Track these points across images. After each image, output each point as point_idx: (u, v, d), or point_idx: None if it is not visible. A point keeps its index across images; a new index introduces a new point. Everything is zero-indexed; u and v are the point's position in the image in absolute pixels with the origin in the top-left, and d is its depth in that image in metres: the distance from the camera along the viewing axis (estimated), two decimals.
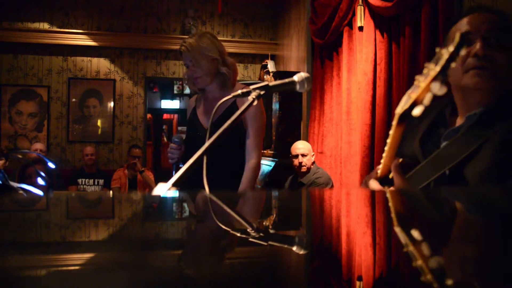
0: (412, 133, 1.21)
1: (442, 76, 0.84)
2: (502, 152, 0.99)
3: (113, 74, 5.74)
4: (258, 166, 1.91)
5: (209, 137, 1.08)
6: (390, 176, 1.08)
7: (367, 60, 3.19)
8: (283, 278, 0.36)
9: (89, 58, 5.68)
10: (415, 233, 0.51)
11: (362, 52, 3.26)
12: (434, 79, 0.84)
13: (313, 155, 3.57)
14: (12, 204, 0.72)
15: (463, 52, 0.85)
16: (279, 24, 5.74)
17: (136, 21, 5.72)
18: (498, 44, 1.08)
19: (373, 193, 0.95)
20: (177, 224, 0.61)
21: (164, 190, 0.96)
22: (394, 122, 0.93)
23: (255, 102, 1.18)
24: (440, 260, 0.39)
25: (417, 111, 0.87)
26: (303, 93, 4.39)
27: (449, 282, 0.33)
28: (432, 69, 0.85)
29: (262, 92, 1.21)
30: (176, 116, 9.36)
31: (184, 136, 2.05)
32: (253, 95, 1.19)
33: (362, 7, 3.31)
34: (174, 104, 8.79)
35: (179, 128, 9.07)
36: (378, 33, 3.16)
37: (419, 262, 0.39)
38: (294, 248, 0.45)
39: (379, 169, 1.08)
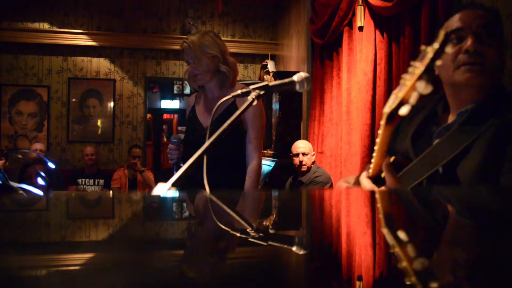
0: (404, 131, 1.21)
1: (427, 75, 0.84)
2: (492, 149, 0.99)
3: (113, 74, 5.74)
4: (260, 167, 1.92)
5: (209, 137, 1.08)
6: (382, 175, 1.08)
7: (367, 60, 3.19)
8: (283, 278, 0.36)
9: (89, 58, 5.68)
10: (415, 233, 0.51)
11: (362, 52, 3.26)
12: (419, 78, 0.84)
13: (314, 154, 3.57)
14: (12, 204, 0.72)
15: (448, 49, 0.85)
16: (279, 24, 5.74)
17: (136, 21, 5.72)
18: (489, 40, 1.08)
19: (373, 193, 0.95)
20: (177, 224, 0.61)
21: (164, 190, 0.96)
22: (383, 122, 0.93)
23: (255, 102, 1.18)
24: (439, 260, 0.39)
25: (404, 111, 0.87)
26: (303, 93, 4.39)
27: (448, 281, 0.33)
28: (418, 67, 0.85)
29: (262, 92, 1.21)
30: (176, 116, 9.36)
31: (182, 135, 2.05)
32: (253, 95, 1.19)
33: (362, 7, 3.31)
34: (174, 104, 8.78)
35: (179, 128, 9.06)
36: (378, 33, 3.16)
37: (419, 261, 0.39)
38: (294, 248, 0.45)
39: (371, 168, 1.08)
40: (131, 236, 0.52)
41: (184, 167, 0.99)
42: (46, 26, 5.56)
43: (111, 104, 5.74)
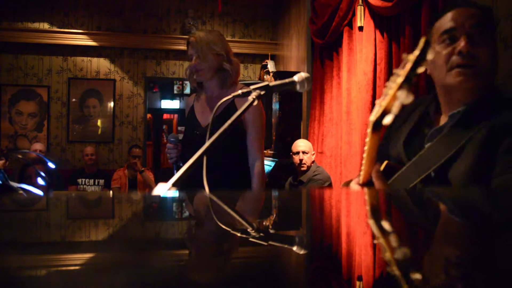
0: (396, 134, 1.20)
1: (408, 84, 0.84)
2: (484, 152, 0.99)
3: (113, 74, 5.74)
4: (263, 170, 1.94)
5: (209, 136, 1.08)
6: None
7: (367, 60, 3.19)
8: (283, 278, 0.36)
9: (89, 58, 5.68)
10: (415, 233, 0.51)
11: (362, 52, 3.26)
12: (400, 87, 0.85)
13: (314, 154, 3.58)
14: (12, 204, 0.72)
15: (429, 56, 0.85)
16: (279, 24, 5.74)
17: (136, 21, 5.72)
18: (482, 41, 1.07)
19: (373, 193, 0.95)
20: (177, 224, 0.61)
21: (164, 190, 0.96)
22: (369, 130, 0.94)
23: (255, 102, 1.18)
24: (439, 260, 0.39)
25: (387, 120, 0.87)
26: (303, 93, 4.39)
27: (448, 281, 0.33)
28: (400, 75, 0.86)
29: (262, 92, 1.21)
30: (176, 116, 9.36)
31: (181, 135, 2.05)
32: (253, 95, 1.19)
33: (362, 7, 3.31)
34: (174, 104, 8.78)
35: (179, 128, 9.06)
36: (378, 33, 3.16)
37: (419, 261, 0.39)
38: (294, 248, 0.45)
39: (361, 175, 1.08)
40: (131, 236, 0.52)
41: (184, 167, 0.99)
42: (46, 26, 5.56)
43: (111, 104, 5.74)
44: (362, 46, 3.28)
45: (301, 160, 3.44)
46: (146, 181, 4.82)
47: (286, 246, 0.47)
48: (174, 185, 0.96)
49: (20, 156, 4.44)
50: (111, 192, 4.46)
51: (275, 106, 4.41)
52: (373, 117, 0.91)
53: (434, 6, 2.49)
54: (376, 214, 0.64)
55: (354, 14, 3.44)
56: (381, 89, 3.07)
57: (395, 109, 0.85)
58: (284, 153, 4.04)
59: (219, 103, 1.28)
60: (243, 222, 0.60)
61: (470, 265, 0.38)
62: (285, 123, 4.33)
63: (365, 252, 0.44)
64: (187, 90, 8.03)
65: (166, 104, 8.84)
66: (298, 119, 4.51)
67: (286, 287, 0.34)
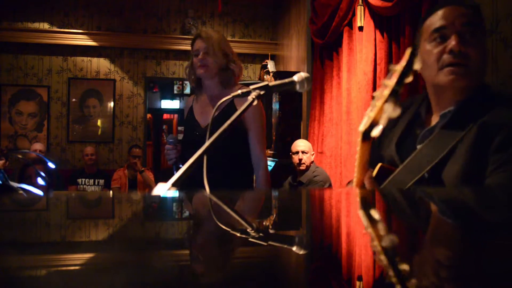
0: (389, 136, 1.20)
1: (395, 97, 0.85)
2: (476, 152, 0.98)
3: (113, 74, 5.74)
4: (268, 172, 1.95)
5: (209, 136, 1.08)
6: None
7: (367, 60, 3.19)
8: (283, 278, 0.36)
9: (89, 58, 5.68)
10: (415, 233, 0.51)
11: (362, 52, 3.26)
12: (387, 100, 0.85)
13: (313, 154, 3.58)
14: (12, 204, 0.72)
15: (416, 66, 0.86)
16: (279, 24, 5.74)
17: (136, 21, 5.72)
18: (473, 39, 1.07)
19: (372, 193, 0.95)
20: (177, 224, 0.61)
21: (164, 190, 0.96)
22: (359, 140, 0.95)
23: (255, 102, 1.18)
24: (439, 260, 0.39)
25: (376, 132, 0.89)
26: (303, 93, 4.39)
27: (449, 281, 0.33)
28: (387, 86, 0.86)
29: (262, 92, 1.21)
30: (176, 116, 9.36)
31: (180, 135, 2.06)
32: (253, 95, 1.19)
33: (362, 7, 3.31)
34: (174, 104, 8.78)
35: (179, 128, 9.06)
36: (378, 33, 3.16)
37: (419, 261, 0.39)
38: (294, 248, 0.45)
39: (354, 182, 1.08)
40: (131, 236, 0.52)
41: (184, 167, 0.99)
42: (46, 26, 5.56)
43: (111, 104, 5.74)
44: (362, 46, 3.28)
45: (300, 160, 3.44)
46: (146, 181, 4.82)
47: (286, 246, 0.47)
48: (174, 185, 0.96)
49: (20, 156, 4.44)
50: (111, 192, 4.46)
51: (275, 106, 4.41)
52: (362, 127, 0.93)
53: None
54: (377, 213, 0.64)
55: (354, 14, 3.44)
56: None
57: (383, 121, 0.87)
58: (284, 153, 4.04)
59: (219, 102, 1.28)
60: (243, 222, 0.60)
61: (465, 266, 0.38)
62: (285, 123, 4.33)
63: (365, 252, 0.44)
64: (187, 90, 8.03)
65: (166, 104, 8.84)
66: (298, 119, 4.51)
67: (286, 287, 0.34)
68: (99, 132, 5.73)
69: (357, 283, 0.35)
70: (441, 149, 1.02)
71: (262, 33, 6.00)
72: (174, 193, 0.95)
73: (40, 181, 3.50)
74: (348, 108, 3.51)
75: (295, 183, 3.55)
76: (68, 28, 5.57)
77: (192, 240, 0.51)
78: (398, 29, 2.95)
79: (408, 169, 1.06)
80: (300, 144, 3.52)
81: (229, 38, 5.77)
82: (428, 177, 1.03)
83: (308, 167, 3.47)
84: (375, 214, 0.59)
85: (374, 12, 3.19)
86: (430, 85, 1.14)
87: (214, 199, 0.79)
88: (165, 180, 0.99)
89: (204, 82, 1.97)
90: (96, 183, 5.08)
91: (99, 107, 5.73)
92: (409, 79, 0.85)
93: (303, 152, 3.45)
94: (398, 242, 0.45)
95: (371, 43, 3.18)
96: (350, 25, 3.53)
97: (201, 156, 1.02)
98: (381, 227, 0.50)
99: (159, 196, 0.86)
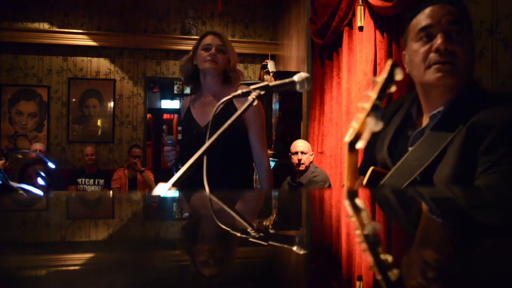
0: (382, 138, 1.20)
1: (376, 110, 0.86)
2: (466, 153, 0.98)
3: (113, 74, 5.74)
4: (270, 170, 1.95)
5: (210, 136, 1.08)
6: None
7: (367, 60, 3.19)
8: (283, 278, 0.36)
9: (89, 58, 5.68)
10: (415, 233, 0.51)
11: (362, 52, 3.26)
12: (368, 114, 0.86)
13: (312, 154, 3.58)
14: (12, 204, 0.72)
15: (397, 77, 0.87)
16: (279, 24, 5.74)
17: (136, 21, 5.73)
18: (459, 37, 1.07)
19: (372, 193, 0.95)
20: (177, 224, 0.61)
21: (164, 190, 0.96)
22: (345, 150, 0.96)
23: (255, 102, 1.18)
24: (440, 259, 0.39)
25: (360, 145, 0.90)
26: (303, 93, 4.39)
27: (438, 281, 0.33)
28: (371, 97, 0.87)
29: (262, 92, 1.21)
30: (176, 116, 9.36)
31: (179, 135, 2.06)
32: (253, 95, 1.19)
33: (362, 7, 3.31)
34: (174, 104, 8.78)
35: (179, 128, 9.06)
36: (378, 33, 3.16)
37: (419, 261, 0.39)
38: (294, 248, 0.45)
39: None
40: (131, 236, 0.52)
41: (184, 168, 0.99)
42: (46, 26, 5.56)
43: (111, 104, 5.74)
44: (362, 46, 3.28)
45: (299, 160, 3.44)
46: (146, 181, 4.82)
47: (286, 246, 0.47)
48: (174, 185, 0.96)
49: (20, 156, 4.44)
50: (111, 192, 4.46)
51: (275, 106, 4.41)
52: (347, 138, 0.94)
53: None
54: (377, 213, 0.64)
55: (354, 14, 3.44)
56: None
57: (366, 135, 0.88)
58: (284, 153, 4.04)
59: (219, 102, 1.28)
60: (243, 222, 0.60)
61: (452, 267, 0.38)
62: (285, 123, 4.33)
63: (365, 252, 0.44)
64: (187, 90, 8.02)
65: (166, 104, 8.84)
66: (298, 119, 4.51)
67: (286, 287, 0.34)
68: (99, 132, 5.73)
69: (357, 283, 0.35)
70: (431, 152, 1.02)
71: (262, 33, 6.00)
72: (174, 193, 0.95)
73: (40, 181, 3.49)
74: (348, 108, 3.51)
75: (295, 183, 3.55)
76: (68, 28, 5.57)
77: (192, 240, 0.51)
78: (398, 29, 2.95)
79: (399, 172, 1.06)
80: (299, 145, 3.52)
81: (229, 38, 5.77)
82: (420, 179, 1.04)
83: (307, 168, 3.47)
84: (363, 212, 0.58)
85: (374, 12, 3.19)
86: (418, 85, 1.14)
87: (214, 199, 0.79)
88: (165, 180, 0.99)
89: (206, 78, 1.96)
90: (96, 183, 5.08)
91: (99, 107, 5.73)
92: (392, 89, 0.86)
93: (302, 152, 3.45)
94: (383, 242, 0.45)
95: (371, 43, 3.18)
96: (350, 25, 3.53)
97: (201, 156, 1.02)
98: (365, 226, 0.50)
99: (159, 196, 0.86)
